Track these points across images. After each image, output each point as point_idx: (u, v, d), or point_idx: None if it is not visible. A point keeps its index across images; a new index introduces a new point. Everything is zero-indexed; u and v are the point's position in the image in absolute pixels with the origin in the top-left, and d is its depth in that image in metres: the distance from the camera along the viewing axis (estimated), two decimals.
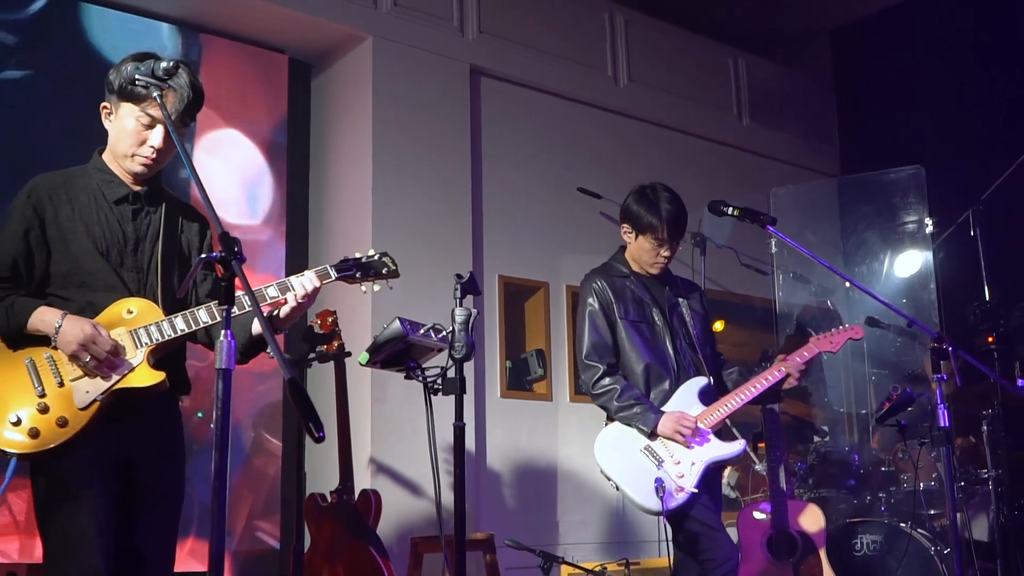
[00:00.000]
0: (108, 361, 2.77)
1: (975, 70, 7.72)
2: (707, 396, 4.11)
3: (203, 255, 2.61)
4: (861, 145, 8.72)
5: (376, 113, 6.21)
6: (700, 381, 4.13)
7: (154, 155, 2.93)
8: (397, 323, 3.67)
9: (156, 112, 2.86)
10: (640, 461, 3.96)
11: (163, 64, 2.77)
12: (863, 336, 4.38)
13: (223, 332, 2.29)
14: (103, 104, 2.97)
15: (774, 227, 4.16)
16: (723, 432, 4.13)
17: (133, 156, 2.93)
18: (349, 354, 5.05)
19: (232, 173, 6.07)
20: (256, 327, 2.99)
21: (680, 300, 4.27)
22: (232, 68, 6.18)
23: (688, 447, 3.96)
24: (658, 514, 3.85)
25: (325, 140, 6.56)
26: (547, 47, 7.14)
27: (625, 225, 4.24)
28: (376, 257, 3.17)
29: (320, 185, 6.53)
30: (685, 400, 4.08)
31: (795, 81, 8.93)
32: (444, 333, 3.66)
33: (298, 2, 6.05)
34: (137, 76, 2.74)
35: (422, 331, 3.70)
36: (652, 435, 3.98)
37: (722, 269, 7.19)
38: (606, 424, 4.14)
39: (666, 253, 4.17)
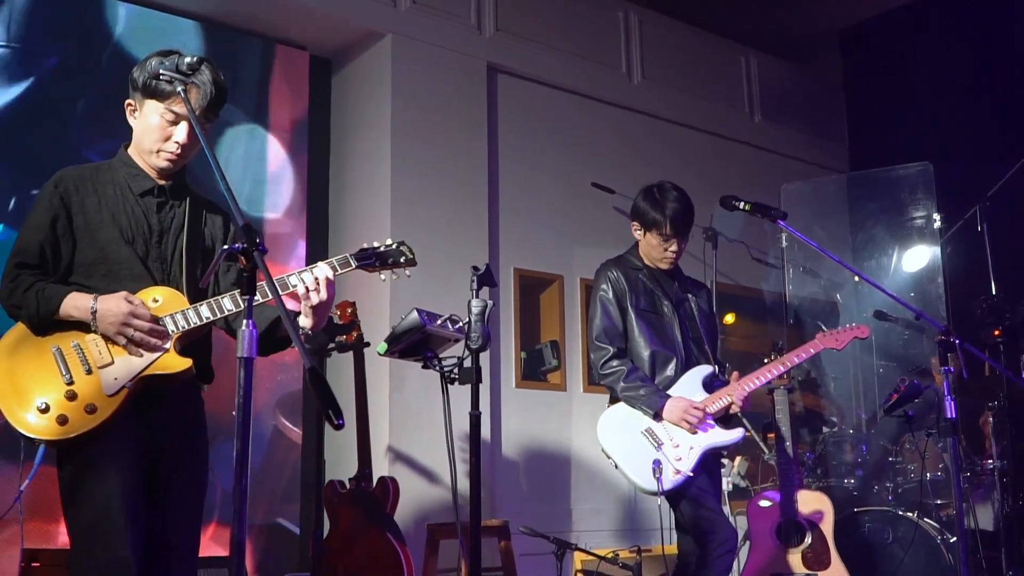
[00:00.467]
0: (153, 331, 2.77)
1: (982, 68, 7.67)
2: (711, 384, 4.20)
3: (225, 247, 2.59)
4: (870, 142, 8.67)
5: (395, 109, 6.20)
6: (705, 369, 4.22)
7: (179, 150, 2.92)
8: (415, 314, 3.67)
9: (180, 108, 2.85)
10: (640, 442, 4.04)
11: (187, 59, 2.74)
12: (868, 335, 4.42)
13: (245, 322, 2.27)
14: (128, 101, 2.97)
15: (784, 222, 4.16)
16: (725, 419, 4.19)
17: (159, 152, 2.92)
18: (368, 344, 5.05)
19: (254, 167, 6.07)
20: (273, 300, 2.96)
21: (688, 296, 4.36)
22: (254, 64, 6.18)
23: (692, 432, 4.04)
24: (654, 494, 3.93)
25: (345, 135, 6.55)
26: (562, 45, 7.12)
27: (635, 223, 4.33)
28: (394, 246, 3.17)
29: (340, 179, 6.52)
30: (690, 386, 4.16)
31: (805, 79, 8.89)
32: (460, 324, 3.66)
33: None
34: (161, 71, 2.73)
35: (439, 322, 3.70)
36: (656, 417, 4.06)
37: (733, 263, 7.17)
38: (609, 405, 4.21)
39: (673, 248, 4.24)
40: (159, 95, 2.86)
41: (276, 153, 6.19)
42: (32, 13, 5.40)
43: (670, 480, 3.94)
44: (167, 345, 2.80)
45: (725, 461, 6.27)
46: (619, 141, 7.32)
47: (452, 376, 3.65)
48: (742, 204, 4.21)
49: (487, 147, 6.58)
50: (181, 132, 2.90)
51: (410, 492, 5.49)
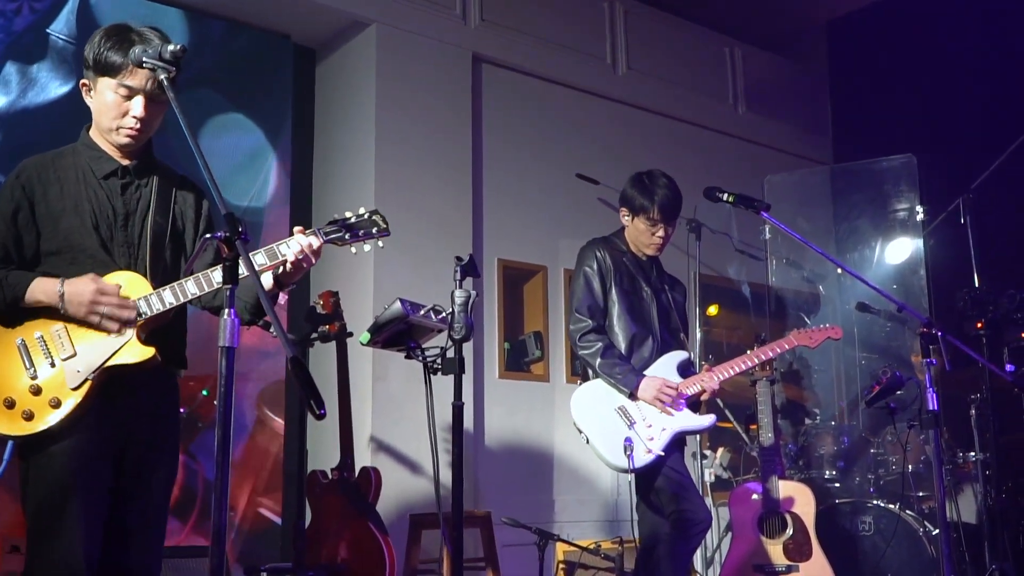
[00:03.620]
0: (123, 305, 2.73)
1: (966, 61, 7.69)
2: (686, 369, 4.28)
3: (207, 235, 2.56)
4: (854, 134, 8.69)
5: (379, 99, 6.18)
6: (681, 354, 4.31)
7: (138, 125, 2.84)
8: (398, 304, 3.67)
9: (133, 82, 2.79)
10: (613, 420, 4.11)
11: (170, 47, 2.62)
12: (842, 336, 4.50)
13: (226, 311, 2.25)
14: (82, 81, 2.90)
15: (768, 213, 4.18)
16: (695, 406, 4.26)
17: (118, 129, 2.85)
18: (351, 334, 5.04)
19: (237, 156, 6.04)
20: (257, 292, 2.90)
21: (666, 287, 4.45)
22: (238, 53, 6.15)
23: (666, 412, 4.10)
24: (624, 471, 4.00)
25: (329, 125, 6.52)
26: (548, 35, 7.10)
27: (623, 208, 4.39)
28: (366, 216, 3.04)
29: (324, 169, 6.50)
30: (665, 369, 4.24)
31: (790, 71, 8.90)
32: (444, 314, 3.65)
33: None
34: (145, 59, 2.62)
35: (422, 312, 3.70)
36: (632, 396, 4.12)
37: (717, 254, 7.17)
38: (581, 382, 4.28)
39: (660, 234, 4.30)
40: (111, 71, 2.79)
41: (259, 142, 6.16)
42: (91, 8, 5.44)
43: (641, 459, 4.00)
44: (124, 338, 2.75)
45: (708, 452, 6.30)
46: (604, 132, 7.32)
47: (435, 366, 3.65)
48: (726, 196, 4.23)
49: (472, 137, 6.56)
50: (137, 106, 2.82)
51: (392, 482, 5.47)
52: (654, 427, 4.08)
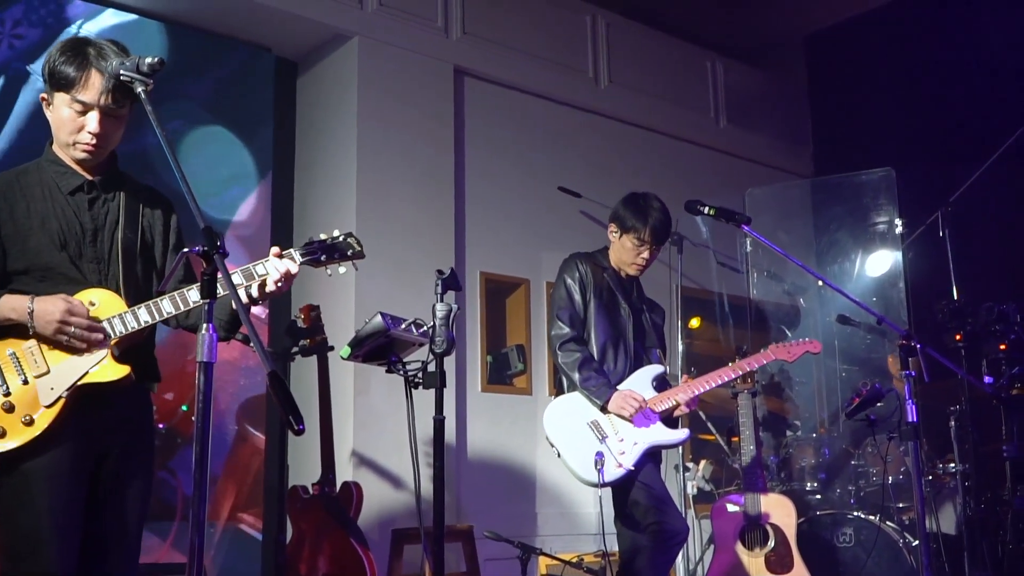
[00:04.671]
0: (92, 327, 2.72)
1: (945, 75, 7.74)
2: (661, 384, 4.30)
3: (184, 249, 2.55)
4: (834, 147, 8.74)
5: (361, 112, 6.18)
6: (656, 368, 4.34)
7: (94, 140, 2.81)
8: (379, 318, 3.67)
9: (86, 97, 2.76)
10: (585, 433, 4.12)
11: (148, 60, 2.60)
12: (820, 351, 4.54)
13: (204, 326, 2.24)
14: (42, 95, 2.87)
15: (749, 226, 4.20)
16: (671, 421, 4.27)
17: (74, 144, 2.83)
18: (332, 348, 5.03)
19: (218, 169, 6.02)
20: (235, 306, 2.89)
21: (644, 308, 4.49)
22: (219, 66, 6.14)
23: (635, 425, 4.11)
24: (593, 485, 4.00)
25: (310, 138, 6.52)
26: (530, 49, 7.13)
27: (612, 225, 4.43)
28: (341, 238, 3.06)
29: (305, 182, 6.49)
30: (640, 383, 4.26)
31: (771, 85, 8.95)
32: (425, 328, 3.66)
33: (284, 0, 6.01)
34: (122, 72, 2.60)
35: (403, 326, 3.71)
36: (603, 409, 4.14)
37: (698, 267, 7.20)
38: (556, 394, 4.33)
39: (645, 255, 4.35)
40: (65, 85, 2.77)
41: (240, 155, 6.15)
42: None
43: (612, 473, 4.00)
44: (105, 351, 2.74)
45: (690, 465, 6.31)
46: (586, 145, 7.34)
47: (416, 380, 3.65)
48: (707, 209, 4.26)
49: (454, 150, 6.57)
50: (92, 121, 2.79)
51: (374, 497, 5.46)
52: (626, 441, 4.09)
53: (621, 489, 4.08)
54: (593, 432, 4.11)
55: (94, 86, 2.75)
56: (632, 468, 4.03)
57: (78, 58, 2.76)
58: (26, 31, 5.44)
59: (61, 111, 2.81)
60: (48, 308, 2.69)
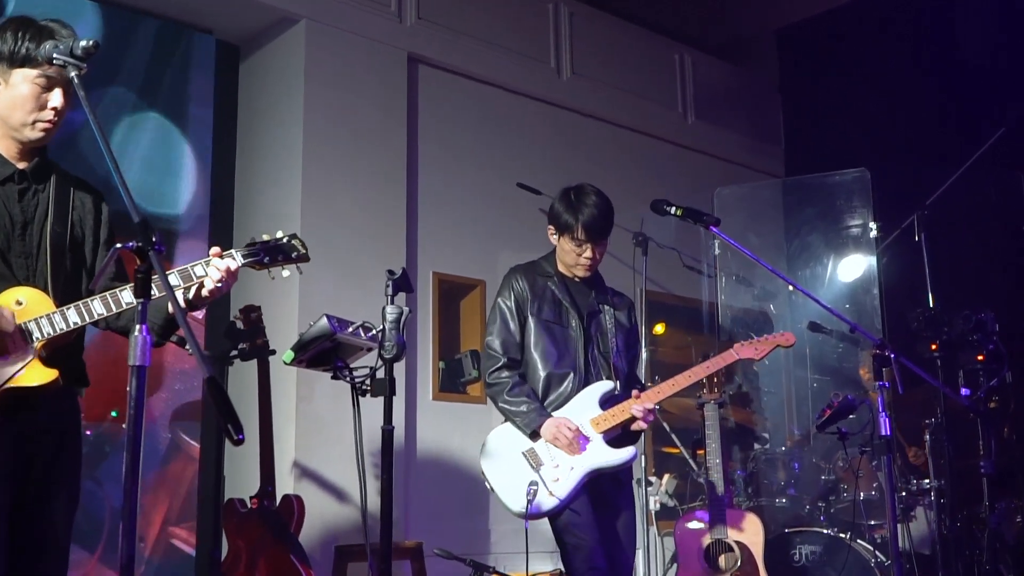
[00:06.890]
0: (14, 337, 2.69)
1: (920, 72, 7.86)
2: (610, 402, 4.10)
3: (117, 245, 2.52)
4: (806, 146, 8.84)
5: (308, 100, 6.14)
6: (605, 385, 4.12)
7: (55, 117, 2.86)
8: (324, 320, 3.65)
9: (54, 72, 2.79)
10: (519, 464, 4.00)
11: (82, 43, 2.59)
12: (794, 343, 4.37)
13: (137, 327, 2.22)
14: None
15: (718, 228, 4.20)
16: (627, 436, 4.12)
17: (34, 123, 2.84)
18: (273, 352, 5.00)
19: (153, 159, 5.96)
20: (171, 307, 2.88)
21: (604, 308, 4.28)
22: (156, 49, 6.07)
23: (574, 452, 3.97)
24: (521, 516, 3.90)
25: (253, 127, 6.47)
26: (488, 36, 7.13)
27: (550, 227, 4.27)
28: (285, 240, 3.04)
29: (247, 174, 6.44)
30: (584, 404, 4.08)
31: (741, 80, 9.03)
32: (374, 332, 3.64)
33: None
34: (55, 55, 2.61)
35: (351, 329, 3.69)
36: (534, 436, 4.00)
37: (664, 270, 7.24)
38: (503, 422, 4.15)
39: (587, 255, 4.18)
40: (29, 62, 2.79)
41: (178, 144, 6.09)
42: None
43: (546, 503, 3.89)
44: (29, 357, 2.71)
45: (652, 479, 6.33)
46: (547, 139, 7.36)
47: (364, 387, 3.63)
48: (674, 209, 4.25)
49: (407, 143, 6.55)
50: (57, 97, 2.84)
51: (317, 511, 5.43)
52: (561, 467, 3.95)
53: (552, 520, 3.98)
54: (527, 461, 3.98)
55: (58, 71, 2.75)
56: (566, 497, 3.90)
57: (41, 35, 2.78)
58: None
59: (20, 88, 2.82)
60: None
